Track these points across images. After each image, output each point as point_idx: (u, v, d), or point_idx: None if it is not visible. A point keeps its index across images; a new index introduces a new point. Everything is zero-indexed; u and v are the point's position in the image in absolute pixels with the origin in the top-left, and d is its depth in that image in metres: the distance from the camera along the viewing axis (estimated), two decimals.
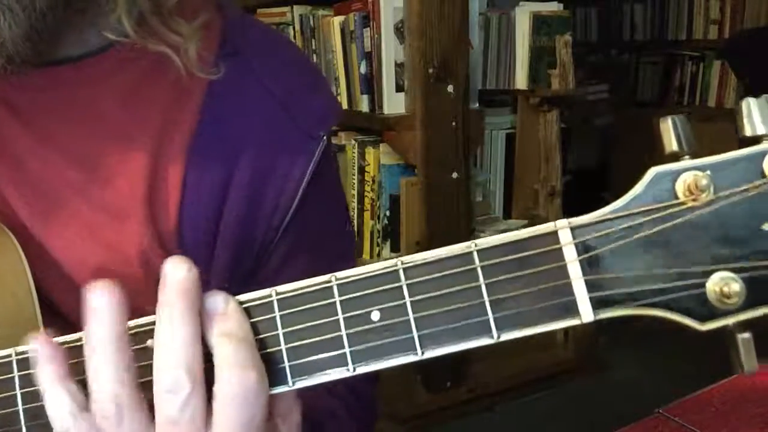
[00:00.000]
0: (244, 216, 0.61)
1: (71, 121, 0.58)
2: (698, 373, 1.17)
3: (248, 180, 0.60)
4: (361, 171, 2.39)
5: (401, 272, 0.41)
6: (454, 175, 2.20)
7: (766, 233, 0.37)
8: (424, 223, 2.20)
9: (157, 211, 0.59)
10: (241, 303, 0.43)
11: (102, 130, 0.59)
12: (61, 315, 0.58)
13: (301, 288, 0.42)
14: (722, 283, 0.38)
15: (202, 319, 0.43)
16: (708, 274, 0.38)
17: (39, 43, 0.53)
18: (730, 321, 0.38)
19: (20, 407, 0.45)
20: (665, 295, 0.38)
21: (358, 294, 0.42)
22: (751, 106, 0.38)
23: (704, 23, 4.08)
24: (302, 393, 0.53)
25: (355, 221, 2.46)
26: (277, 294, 0.43)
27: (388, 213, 2.31)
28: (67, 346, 0.44)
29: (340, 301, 0.42)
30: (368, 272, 0.42)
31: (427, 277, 0.41)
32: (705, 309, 0.38)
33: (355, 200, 2.43)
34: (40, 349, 0.43)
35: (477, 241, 0.40)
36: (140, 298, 0.61)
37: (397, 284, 0.41)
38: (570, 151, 3.32)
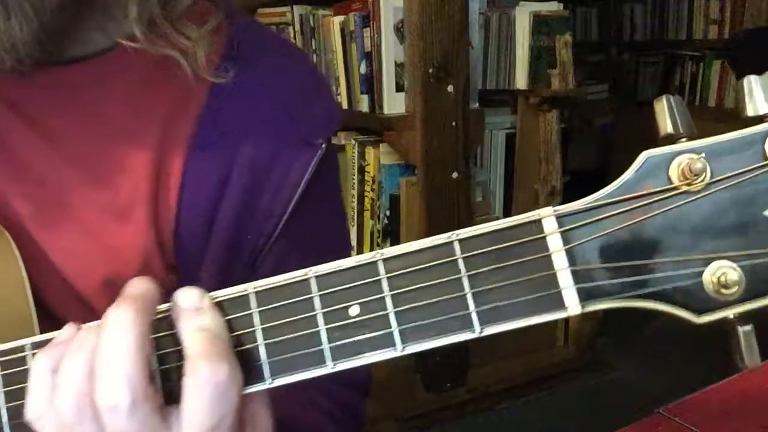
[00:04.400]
0: (237, 219, 0.60)
1: (75, 121, 0.58)
2: (698, 373, 1.17)
3: (245, 182, 0.60)
4: (361, 171, 2.39)
5: (380, 264, 0.40)
6: (454, 175, 2.20)
7: None
8: (424, 223, 2.20)
9: (159, 210, 0.59)
10: (217, 299, 0.42)
11: (106, 131, 0.59)
12: (54, 315, 0.58)
13: (279, 282, 0.41)
14: (720, 272, 0.36)
15: (175, 315, 0.42)
16: (704, 263, 0.36)
17: (48, 43, 0.53)
18: (728, 313, 0.36)
19: (3, 405, 0.45)
20: (658, 285, 0.37)
21: (336, 288, 0.40)
22: (752, 84, 0.36)
23: (704, 23, 4.08)
24: (285, 407, 0.50)
25: (355, 221, 2.46)
26: (255, 289, 0.42)
27: (388, 213, 2.31)
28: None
29: (319, 296, 0.40)
30: (347, 265, 0.40)
31: (408, 270, 0.39)
32: (701, 300, 0.36)
33: (355, 200, 2.43)
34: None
35: (458, 231, 0.39)
36: None
37: (376, 277, 0.40)
38: (570, 151, 3.32)
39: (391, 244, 2.35)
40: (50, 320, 0.56)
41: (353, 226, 2.47)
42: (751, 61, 3.04)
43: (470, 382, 2.40)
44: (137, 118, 0.59)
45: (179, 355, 0.42)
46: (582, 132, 4.01)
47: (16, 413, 0.45)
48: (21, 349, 0.45)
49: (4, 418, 0.45)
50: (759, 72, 0.38)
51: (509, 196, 2.60)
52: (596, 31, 4.70)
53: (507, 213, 2.60)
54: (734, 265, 0.36)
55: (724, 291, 0.36)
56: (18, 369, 0.45)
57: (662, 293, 0.37)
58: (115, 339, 0.40)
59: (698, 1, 4.08)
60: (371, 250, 2.46)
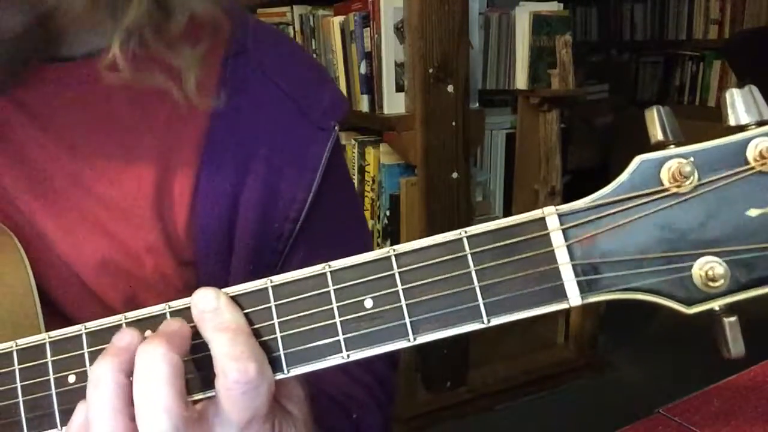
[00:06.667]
0: (261, 211, 0.61)
1: (79, 117, 0.59)
2: (698, 373, 1.17)
3: (263, 175, 0.61)
4: (361, 171, 2.39)
5: (393, 260, 0.42)
6: (454, 175, 2.20)
7: (751, 218, 0.38)
8: (424, 223, 2.20)
9: (165, 211, 0.59)
10: (236, 294, 0.44)
11: (110, 128, 0.59)
12: (62, 313, 0.58)
13: (296, 277, 0.43)
14: (707, 267, 0.39)
15: (195, 317, 0.43)
16: (693, 258, 0.39)
17: (18, 63, 0.53)
18: (715, 304, 0.39)
19: (20, 399, 0.46)
20: (651, 279, 0.39)
21: (351, 282, 0.43)
22: (734, 97, 0.39)
23: (704, 23, 4.08)
24: (325, 378, 0.51)
25: None
26: (272, 283, 0.44)
27: (388, 213, 2.31)
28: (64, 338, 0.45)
29: (334, 290, 0.43)
30: (361, 260, 0.43)
31: (419, 265, 0.42)
32: (691, 293, 0.39)
33: None
34: None
35: (467, 228, 0.41)
36: (146, 292, 0.61)
37: (389, 272, 0.42)
38: (570, 151, 3.32)
39: (392, 244, 2.35)
40: (54, 314, 0.57)
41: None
42: (748, 62, 3.04)
43: (470, 382, 2.40)
44: (141, 116, 0.59)
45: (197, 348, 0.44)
46: (582, 132, 4.01)
47: (33, 406, 0.46)
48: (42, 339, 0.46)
49: (22, 413, 0.46)
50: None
51: (509, 196, 2.60)
52: (596, 31, 4.70)
53: (507, 213, 2.60)
54: (720, 260, 0.39)
55: (711, 284, 0.39)
56: (37, 363, 0.46)
57: (655, 286, 0.40)
58: (151, 371, 0.41)
59: (698, 1, 4.08)
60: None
